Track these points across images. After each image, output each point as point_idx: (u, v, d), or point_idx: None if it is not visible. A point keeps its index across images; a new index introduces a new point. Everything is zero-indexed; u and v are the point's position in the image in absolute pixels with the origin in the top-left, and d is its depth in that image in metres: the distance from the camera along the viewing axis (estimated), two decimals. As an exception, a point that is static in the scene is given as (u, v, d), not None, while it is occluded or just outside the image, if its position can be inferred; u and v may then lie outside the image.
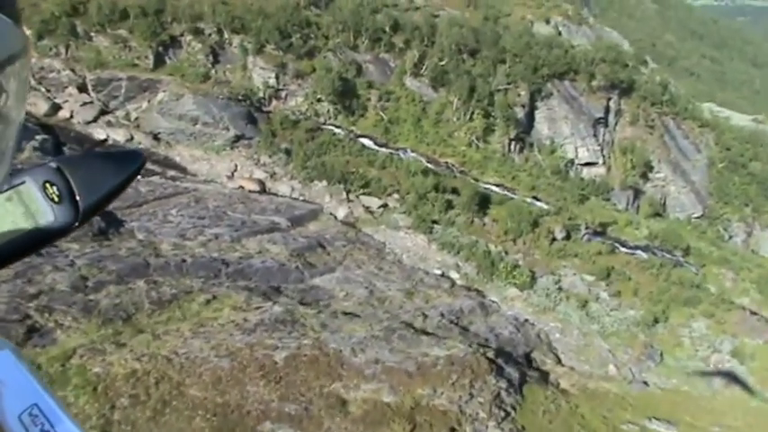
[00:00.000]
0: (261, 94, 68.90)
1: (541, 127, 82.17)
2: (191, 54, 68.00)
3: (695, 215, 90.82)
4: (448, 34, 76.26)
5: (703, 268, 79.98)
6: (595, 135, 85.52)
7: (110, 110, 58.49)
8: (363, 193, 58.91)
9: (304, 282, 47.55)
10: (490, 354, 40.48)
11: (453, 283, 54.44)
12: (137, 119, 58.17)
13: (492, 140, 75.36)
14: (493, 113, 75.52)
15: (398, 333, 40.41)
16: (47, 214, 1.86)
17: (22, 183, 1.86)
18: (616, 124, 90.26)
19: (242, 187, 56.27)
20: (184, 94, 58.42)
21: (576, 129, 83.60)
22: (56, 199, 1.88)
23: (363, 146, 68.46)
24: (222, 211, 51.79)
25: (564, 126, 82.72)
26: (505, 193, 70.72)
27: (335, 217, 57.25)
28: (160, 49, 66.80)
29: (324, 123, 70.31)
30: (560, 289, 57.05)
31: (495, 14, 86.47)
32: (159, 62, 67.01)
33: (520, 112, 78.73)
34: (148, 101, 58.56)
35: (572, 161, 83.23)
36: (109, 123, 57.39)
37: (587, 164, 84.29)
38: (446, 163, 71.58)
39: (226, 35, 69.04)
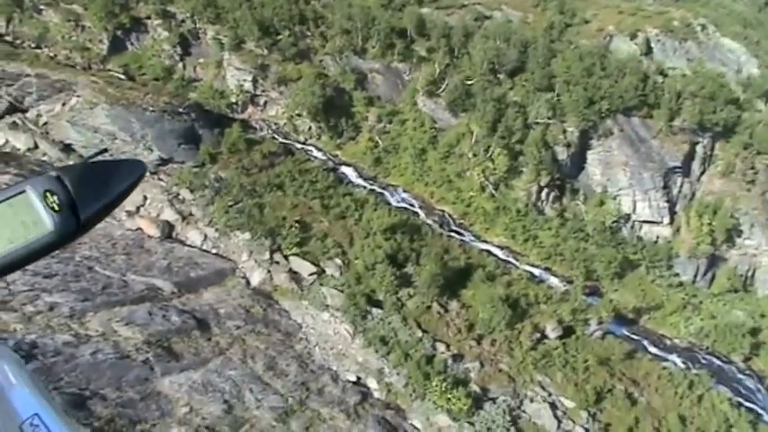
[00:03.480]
0: (233, 99, 57.79)
1: (592, 171, 66.28)
2: (156, 42, 57.57)
3: (792, 296, 72.52)
4: (483, 46, 61.43)
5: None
6: (666, 187, 68.54)
7: (23, 108, 49.29)
8: (297, 254, 46.97)
9: (147, 383, 36.83)
10: None
11: (365, 397, 42.05)
12: (45, 124, 48.67)
13: (516, 186, 60.67)
14: (523, 152, 60.67)
15: None
16: (47, 223, 1.90)
17: (23, 192, 1.92)
18: (701, 175, 72.48)
19: (140, 230, 45.83)
20: (99, 102, 48.03)
21: (638, 178, 66.95)
22: (56, 208, 1.92)
23: (340, 180, 56.09)
24: (89, 265, 41.65)
25: (621, 174, 66.37)
26: (508, 259, 56.54)
27: (248, 282, 45.80)
28: (118, 32, 56.77)
29: (303, 143, 58.44)
30: (514, 421, 43.22)
31: (564, 22, 70.01)
32: (118, 48, 57.17)
33: (562, 153, 63.27)
34: (63, 104, 48.80)
35: (627, 217, 67.10)
36: (13, 125, 48.22)
37: (647, 222, 67.95)
38: (442, 212, 58.03)
39: (199, 25, 57.92)
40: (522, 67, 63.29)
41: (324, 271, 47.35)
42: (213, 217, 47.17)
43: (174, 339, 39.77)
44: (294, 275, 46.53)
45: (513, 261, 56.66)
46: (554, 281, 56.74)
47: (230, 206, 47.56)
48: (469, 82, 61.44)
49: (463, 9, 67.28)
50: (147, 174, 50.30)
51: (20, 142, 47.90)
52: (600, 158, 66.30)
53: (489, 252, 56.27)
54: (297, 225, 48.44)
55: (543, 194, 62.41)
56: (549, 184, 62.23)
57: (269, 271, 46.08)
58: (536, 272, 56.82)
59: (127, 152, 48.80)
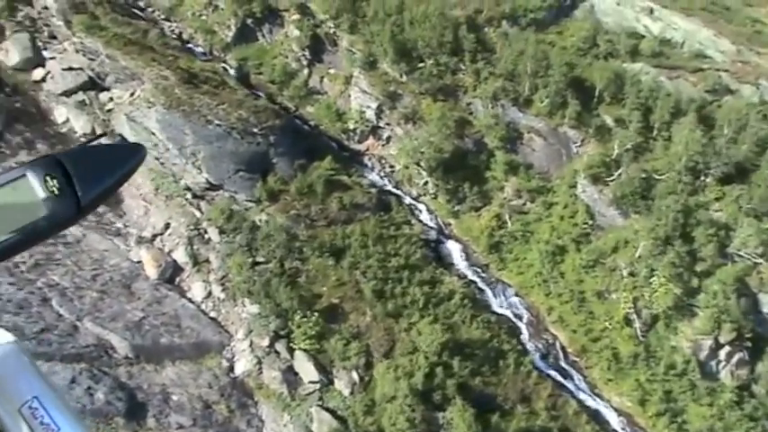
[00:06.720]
0: (351, 125, 48.01)
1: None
2: (287, 40, 49.41)
3: None
4: (691, 135, 44.47)
5: None
6: None
7: (104, 86, 44.06)
8: (307, 349, 36.55)
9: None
10: None
11: None
12: (110, 111, 42.93)
13: (680, 331, 43.88)
14: (703, 289, 43.58)
15: None
16: (47, 207, 1.90)
17: (23, 176, 1.91)
18: None
19: (141, 263, 38.42)
20: (156, 103, 40.87)
21: None
22: (56, 192, 1.92)
23: (436, 258, 44.10)
24: (48, 296, 35.13)
25: None
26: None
27: (231, 368, 36.41)
28: (248, 21, 49.50)
29: (416, 198, 47.07)
30: None
31: None
32: (246, 37, 50.11)
33: (773, 303, 44.65)
34: (131, 93, 42.59)
35: None
36: (81, 104, 43.18)
37: None
38: (553, 338, 43.45)
39: (336, 30, 48.56)
40: (744, 176, 45.18)
41: (332, 383, 36.50)
42: (229, 272, 38.35)
43: (88, 423, 31.88)
44: (291, 377, 36.30)
45: (629, 436, 40.77)
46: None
47: (254, 264, 38.32)
48: (657, 176, 45.11)
49: (698, 74, 49.90)
50: (188, 198, 43.13)
51: (79, 124, 42.88)
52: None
53: (595, 416, 40.94)
54: (325, 311, 37.92)
55: (722, 354, 44.66)
56: (734, 341, 44.28)
57: (260, 361, 36.34)
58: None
59: (179, 164, 41.54)
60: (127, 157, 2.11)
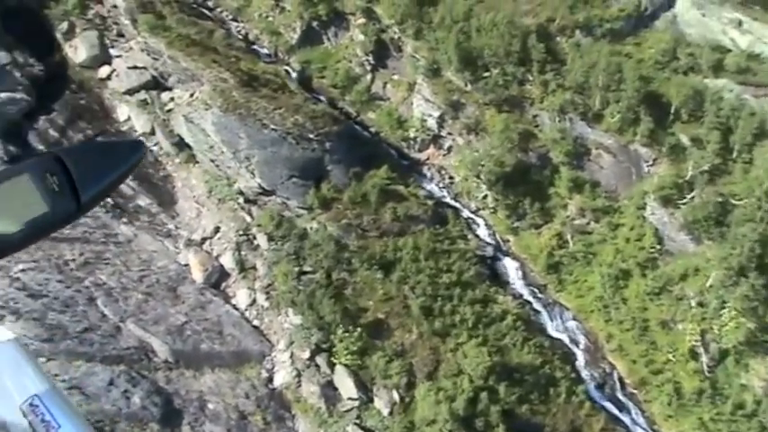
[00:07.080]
0: (411, 134, 46.81)
1: None
2: (352, 43, 48.57)
3: None
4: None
5: None
6: None
7: (167, 85, 44.17)
8: (348, 364, 35.55)
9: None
10: None
11: None
12: (170, 111, 42.98)
13: (752, 368, 40.95)
14: (781, 325, 40.59)
15: None
16: (47, 205, 1.87)
17: (23, 173, 1.88)
18: None
19: (188, 266, 38.20)
20: (212, 105, 40.56)
21: None
22: (56, 189, 1.89)
23: (491, 275, 42.47)
24: (94, 295, 35.32)
25: None
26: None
27: (270, 379, 35.75)
28: (314, 23, 48.90)
29: (475, 211, 45.48)
30: None
31: None
32: (312, 40, 49.50)
33: None
34: (191, 94, 42.50)
35: None
36: (142, 103, 43.45)
37: None
38: (611, 367, 41.14)
39: (401, 35, 47.38)
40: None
41: (371, 401, 35.44)
42: (275, 280, 37.76)
43: (123, 427, 31.98)
44: (330, 392, 35.47)
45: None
46: None
47: (300, 273, 37.60)
48: (734, 202, 42.13)
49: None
50: (240, 202, 42.69)
51: (139, 123, 43.18)
52: None
53: (650, 453, 38.59)
54: (370, 325, 36.89)
55: (797, 393, 41.46)
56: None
57: (300, 374, 35.59)
58: None
59: (233, 167, 41.28)
60: (127, 154, 2.06)
